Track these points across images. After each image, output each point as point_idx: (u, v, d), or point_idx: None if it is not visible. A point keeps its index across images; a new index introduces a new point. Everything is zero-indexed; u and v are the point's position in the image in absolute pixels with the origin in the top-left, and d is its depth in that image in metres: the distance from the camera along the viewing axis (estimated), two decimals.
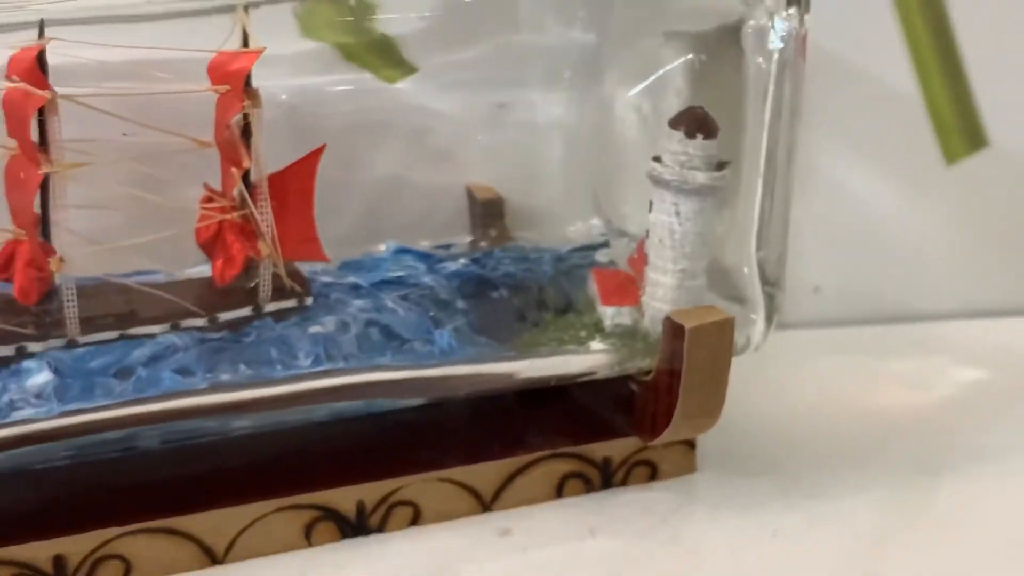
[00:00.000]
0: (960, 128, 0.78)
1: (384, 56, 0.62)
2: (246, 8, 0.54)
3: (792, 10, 0.58)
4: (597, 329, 0.62)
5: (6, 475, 0.53)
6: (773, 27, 0.58)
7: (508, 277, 0.64)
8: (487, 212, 0.67)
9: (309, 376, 0.56)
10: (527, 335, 0.62)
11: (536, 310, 0.63)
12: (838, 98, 0.74)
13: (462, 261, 0.65)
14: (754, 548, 0.58)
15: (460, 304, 0.62)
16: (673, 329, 0.58)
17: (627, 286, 0.62)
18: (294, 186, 0.56)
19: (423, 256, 0.65)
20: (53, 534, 0.52)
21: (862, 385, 0.73)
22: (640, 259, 0.62)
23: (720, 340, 0.58)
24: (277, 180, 0.56)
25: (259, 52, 0.53)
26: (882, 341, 0.79)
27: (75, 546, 0.53)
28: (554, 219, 0.68)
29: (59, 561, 0.52)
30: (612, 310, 0.62)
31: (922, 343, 0.79)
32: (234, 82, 0.54)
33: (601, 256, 0.66)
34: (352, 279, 0.62)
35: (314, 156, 0.56)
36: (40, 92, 0.50)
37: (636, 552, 0.58)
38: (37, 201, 0.53)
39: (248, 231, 0.56)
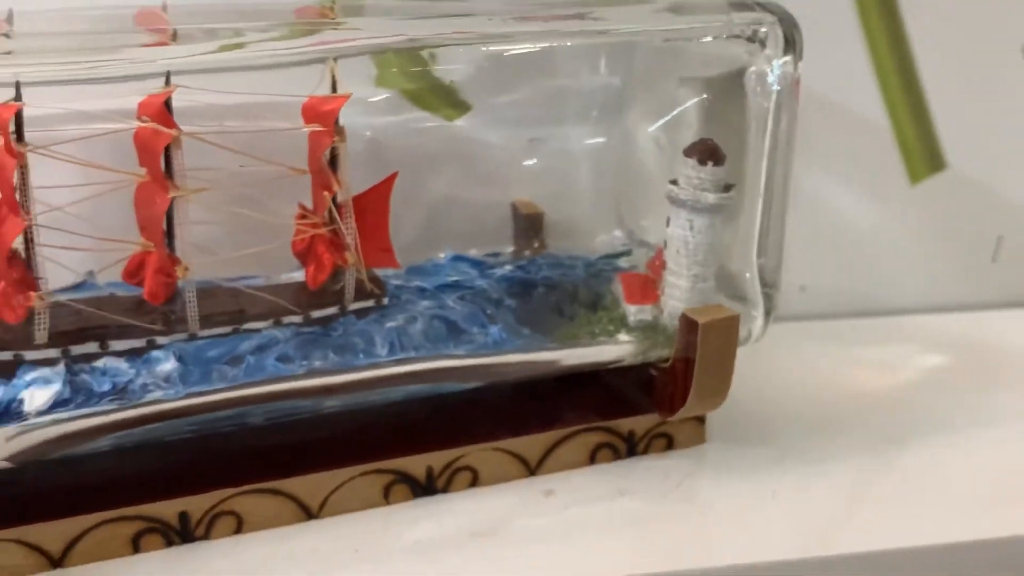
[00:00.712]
0: (922, 153, 0.78)
1: (444, 98, 0.62)
2: (335, 59, 0.54)
3: (787, 58, 0.58)
4: (622, 323, 0.62)
5: (140, 446, 0.52)
6: (772, 72, 0.58)
7: (547, 280, 0.64)
8: (529, 225, 0.67)
9: (386, 364, 0.56)
10: (564, 328, 0.61)
11: (571, 307, 0.63)
12: (823, 129, 0.74)
13: (508, 267, 0.65)
14: (756, 506, 0.58)
15: (508, 302, 0.61)
16: (688, 324, 0.57)
17: (648, 287, 0.62)
18: (373, 206, 0.56)
19: (475, 263, 0.65)
20: (179, 494, 0.53)
21: (841, 369, 0.73)
22: (659, 265, 0.61)
23: (728, 333, 0.58)
24: (359, 201, 0.56)
25: (346, 97, 0.54)
26: (857, 331, 0.79)
27: (197, 504, 0.53)
28: (585, 232, 0.68)
29: (184, 516, 0.53)
30: (635, 308, 0.62)
31: (890, 333, 0.79)
32: (325, 121, 0.54)
33: (624, 262, 0.66)
34: (417, 282, 0.61)
35: (388, 181, 0.56)
36: (168, 130, 0.51)
37: (657, 510, 0.57)
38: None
39: (336, 243, 0.56)
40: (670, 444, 0.62)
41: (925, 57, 0.76)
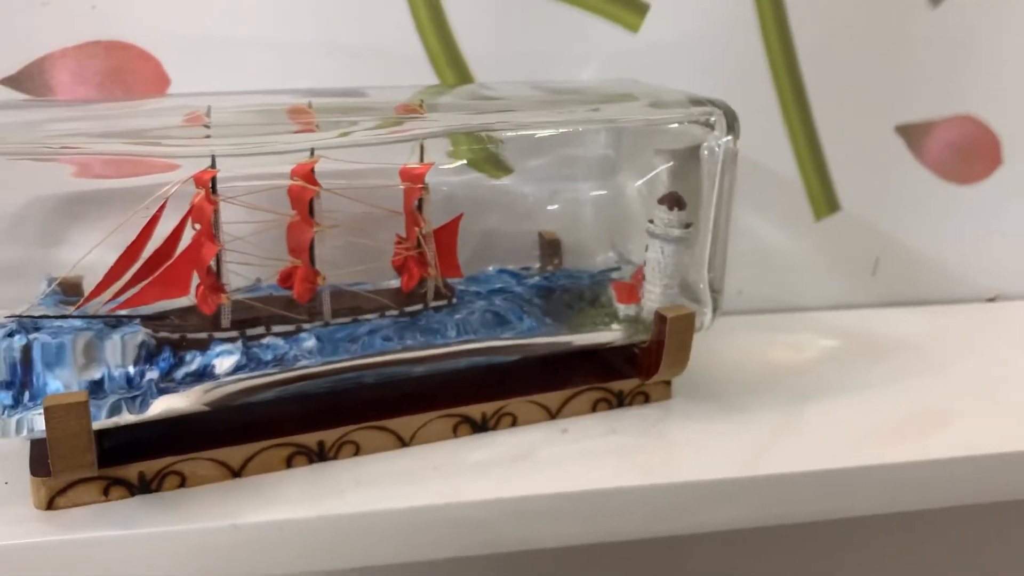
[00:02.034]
0: (823, 198, 0.79)
1: (493, 164, 0.64)
2: (422, 143, 0.57)
3: (729, 137, 0.60)
4: (615, 316, 0.63)
5: (292, 397, 0.54)
6: (718, 147, 0.60)
7: (563, 286, 0.65)
8: (551, 249, 0.67)
9: (454, 343, 0.58)
10: (574, 318, 0.63)
11: (579, 304, 0.64)
12: (753, 182, 0.75)
13: (536, 277, 0.66)
14: (706, 442, 0.59)
15: (537, 302, 0.63)
16: (660, 318, 0.59)
17: (632, 292, 0.63)
18: (446, 236, 0.58)
19: (513, 274, 0.66)
20: (317, 429, 0.55)
21: (766, 349, 0.73)
22: (640, 277, 0.63)
23: (687, 324, 0.59)
24: (438, 233, 0.58)
25: (430, 165, 0.56)
26: (776, 323, 0.79)
27: (329, 436, 0.55)
28: (589, 253, 0.68)
29: (321, 444, 0.55)
30: (623, 306, 0.63)
31: (799, 325, 0.79)
32: (416, 180, 0.56)
33: (616, 275, 0.67)
34: (474, 288, 0.63)
35: (457, 220, 0.58)
36: (312, 187, 0.53)
37: (638, 443, 0.59)
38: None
39: (421, 261, 0.58)
40: (647, 399, 0.63)
41: (826, 130, 0.77)
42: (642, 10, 0.72)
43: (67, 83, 0.65)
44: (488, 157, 0.63)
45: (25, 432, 0.48)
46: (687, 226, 0.60)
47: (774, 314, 0.80)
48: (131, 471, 0.51)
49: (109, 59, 0.66)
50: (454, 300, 0.60)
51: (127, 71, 0.66)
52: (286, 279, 0.56)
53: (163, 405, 0.50)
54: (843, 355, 0.73)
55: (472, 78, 0.71)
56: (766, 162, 0.77)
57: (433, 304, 0.60)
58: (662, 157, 0.63)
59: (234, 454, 0.53)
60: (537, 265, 0.68)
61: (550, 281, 0.66)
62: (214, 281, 0.53)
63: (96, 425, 0.48)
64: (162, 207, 0.50)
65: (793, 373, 0.69)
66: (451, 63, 0.71)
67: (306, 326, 0.56)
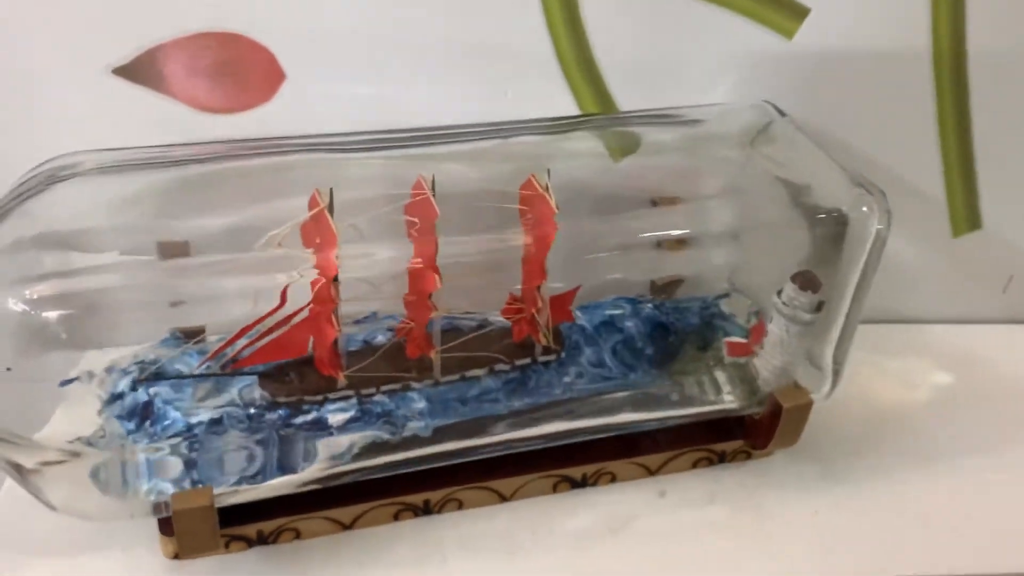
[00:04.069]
0: (965, 215, 0.73)
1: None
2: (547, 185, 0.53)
3: (882, 226, 0.54)
4: (720, 361, 0.61)
5: (401, 462, 0.54)
6: (871, 233, 0.54)
7: (674, 325, 0.63)
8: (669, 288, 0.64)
9: (562, 417, 0.56)
10: (680, 363, 0.61)
11: (689, 351, 0.62)
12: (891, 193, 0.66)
13: (649, 306, 0.64)
14: (803, 525, 0.57)
15: (647, 351, 0.60)
16: (774, 404, 0.57)
17: (746, 349, 0.61)
18: (561, 305, 0.57)
19: (630, 300, 0.64)
20: (423, 490, 0.56)
21: (875, 380, 0.68)
22: (758, 332, 0.60)
23: (802, 412, 0.58)
24: (554, 301, 0.56)
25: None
26: (891, 338, 0.73)
27: (434, 495, 0.56)
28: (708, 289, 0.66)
29: (426, 501, 0.56)
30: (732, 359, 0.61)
31: (917, 341, 0.73)
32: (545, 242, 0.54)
33: (724, 305, 0.64)
34: (585, 317, 0.61)
35: (574, 292, 0.56)
36: (433, 273, 0.51)
37: (734, 520, 0.58)
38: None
39: (533, 323, 0.57)
40: (748, 456, 0.62)
41: (983, 149, 0.70)
42: (801, 14, 0.64)
43: (180, 74, 0.62)
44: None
45: (152, 511, 0.49)
46: (818, 308, 0.56)
47: (891, 325, 0.76)
48: (250, 530, 0.53)
49: (222, 51, 0.61)
50: (563, 354, 0.59)
51: (240, 63, 0.62)
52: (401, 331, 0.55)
53: (283, 482, 0.51)
54: (963, 395, 0.68)
55: (603, 83, 0.65)
56: (911, 177, 0.71)
57: (541, 359, 0.59)
58: (802, 221, 0.57)
59: (346, 512, 0.55)
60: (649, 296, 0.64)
61: (662, 313, 0.63)
62: (332, 357, 0.52)
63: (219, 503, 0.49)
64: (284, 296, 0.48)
65: (905, 424, 0.65)
66: (582, 66, 0.64)
67: (415, 384, 0.56)
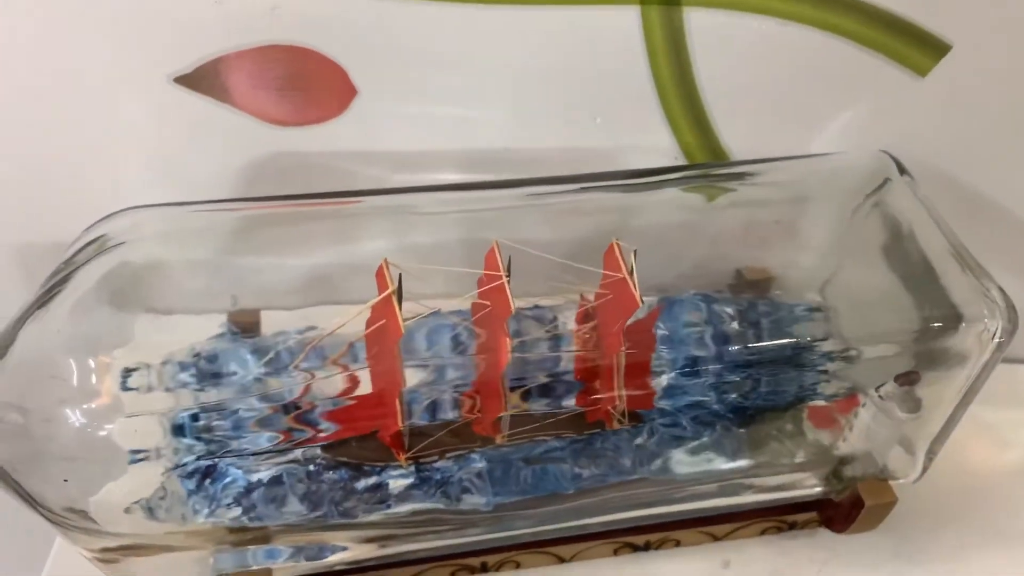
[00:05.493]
0: None
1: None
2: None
3: (1003, 339, 0.49)
4: (800, 430, 0.57)
5: (469, 533, 0.53)
6: (987, 341, 0.49)
7: (754, 392, 0.55)
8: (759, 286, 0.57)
9: (632, 504, 0.54)
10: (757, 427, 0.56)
11: (771, 429, 0.57)
12: None
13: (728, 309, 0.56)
14: None
15: (726, 416, 0.56)
16: (855, 498, 0.54)
17: (830, 419, 0.56)
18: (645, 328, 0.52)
19: (706, 297, 0.56)
20: (482, 554, 0.55)
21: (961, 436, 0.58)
22: (847, 406, 0.55)
23: (884, 506, 0.55)
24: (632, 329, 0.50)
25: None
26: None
27: (492, 557, 0.55)
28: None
29: (483, 563, 0.55)
30: (817, 436, 0.56)
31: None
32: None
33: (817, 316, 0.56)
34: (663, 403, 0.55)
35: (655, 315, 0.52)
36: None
37: None
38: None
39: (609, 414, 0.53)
40: (819, 524, 0.59)
41: None
42: (940, 51, 0.55)
43: (244, 86, 0.57)
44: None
45: None
46: (917, 407, 0.52)
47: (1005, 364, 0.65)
48: None
49: (291, 64, 0.57)
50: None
51: (309, 78, 0.57)
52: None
53: (340, 559, 0.50)
54: None
55: (704, 112, 0.58)
56: None
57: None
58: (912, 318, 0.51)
59: (403, 573, 0.54)
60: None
61: (743, 316, 0.55)
62: (395, 442, 0.50)
63: None
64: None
65: (996, 494, 0.60)
66: (681, 92, 0.57)
67: (476, 449, 0.53)
